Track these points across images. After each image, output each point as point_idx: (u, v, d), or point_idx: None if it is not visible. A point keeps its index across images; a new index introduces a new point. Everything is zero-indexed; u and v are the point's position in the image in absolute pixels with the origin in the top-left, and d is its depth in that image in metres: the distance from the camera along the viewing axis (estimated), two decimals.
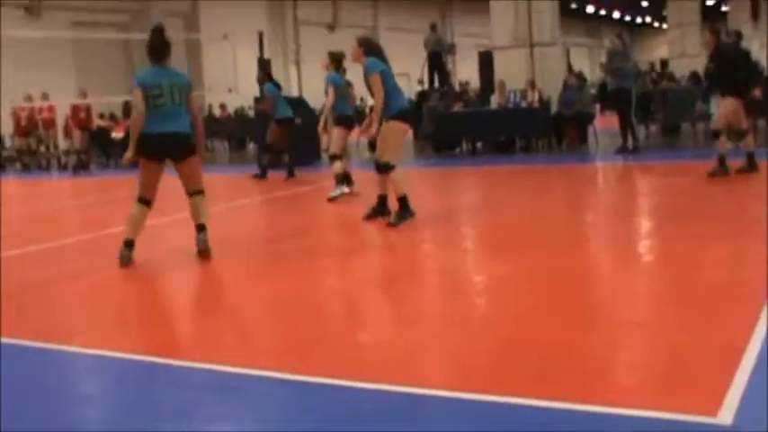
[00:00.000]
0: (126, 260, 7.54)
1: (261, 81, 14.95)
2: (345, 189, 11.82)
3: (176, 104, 7.50)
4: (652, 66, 30.32)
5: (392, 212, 8.87)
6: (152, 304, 6.66)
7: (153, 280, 7.38)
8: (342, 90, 11.99)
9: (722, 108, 11.28)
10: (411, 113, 9.01)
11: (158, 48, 7.67)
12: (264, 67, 15.17)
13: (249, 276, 7.16)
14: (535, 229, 8.55)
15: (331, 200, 11.60)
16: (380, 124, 8.93)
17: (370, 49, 9.10)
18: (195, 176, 7.74)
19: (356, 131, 12.25)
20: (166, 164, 7.63)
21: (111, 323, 5.82)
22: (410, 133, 8.94)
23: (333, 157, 11.97)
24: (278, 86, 15.65)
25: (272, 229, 10.17)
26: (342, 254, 8.02)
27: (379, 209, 9.23)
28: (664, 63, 38.30)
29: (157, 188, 7.73)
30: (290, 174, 15.29)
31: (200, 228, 7.72)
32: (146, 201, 7.66)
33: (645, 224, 8.81)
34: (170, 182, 7.97)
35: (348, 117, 11.98)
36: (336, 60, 12.11)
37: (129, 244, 7.59)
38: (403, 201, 8.74)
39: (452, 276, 6.67)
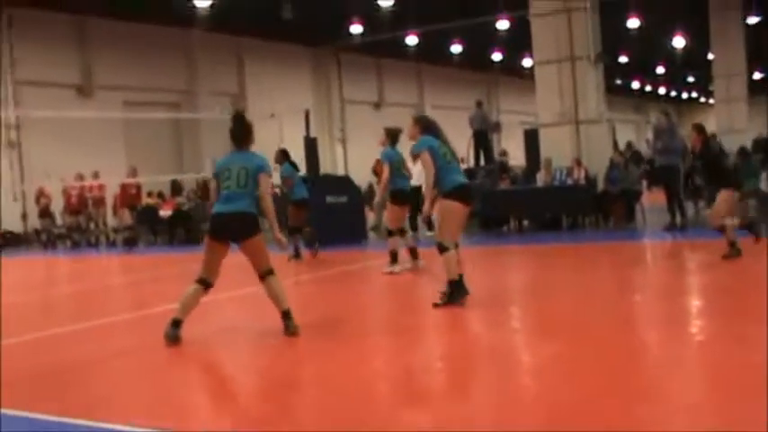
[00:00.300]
0: (172, 339, 7.54)
1: (279, 161, 15.03)
2: (397, 268, 11.84)
3: (241, 186, 7.63)
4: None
5: (444, 292, 8.76)
6: (197, 383, 6.63)
7: (198, 359, 7.36)
8: (397, 165, 12.06)
9: (718, 203, 11.28)
10: (466, 190, 8.93)
11: (237, 133, 7.95)
12: (283, 150, 15.25)
13: (298, 355, 7.12)
14: (584, 309, 8.43)
15: (387, 274, 11.74)
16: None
17: (426, 127, 9.21)
18: (260, 256, 7.74)
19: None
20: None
21: (153, 400, 5.80)
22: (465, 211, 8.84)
23: (388, 233, 12.04)
24: (296, 168, 15.68)
25: (319, 309, 10.14)
26: (393, 333, 7.96)
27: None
28: (711, 138, 38.13)
29: (219, 271, 7.76)
30: (314, 251, 15.43)
31: (286, 315, 7.69)
32: (204, 282, 7.71)
33: (695, 303, 8.66)
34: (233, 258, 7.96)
35: (403, 192, 12.01)
36: (392, 136, 12.30)
37: (177, 323, 7.59)
38: (452, 284, 8.66)
39: (502, 357, 6.58)
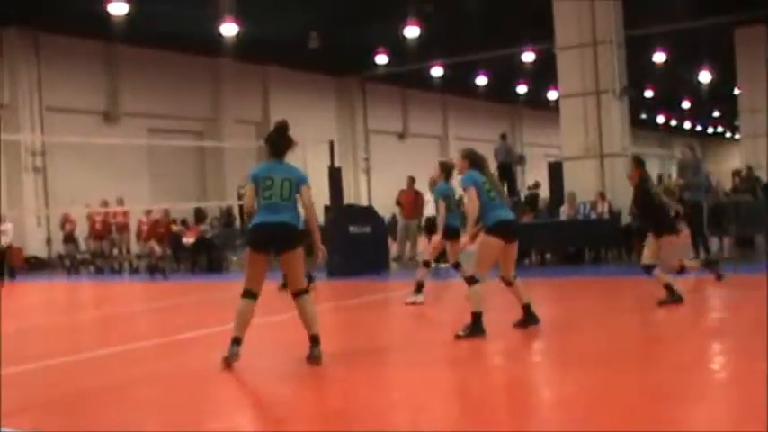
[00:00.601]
0: (232, 358, 7.55)
1: None
2: (420, 298, 11.85)
3: (285, 198, 7.60)
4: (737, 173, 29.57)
5: (465, 325, 8.71)
6: (221, 409, 6.60)
7: (222, 385, 7.33)
8: (450, 202, 12.00)
9: (646, 246, 10.80)
10: (507, 226, 8.92)
11: (279, 143, 7.83)
12: None
13: (327, 385, 7.09)
14: (606, 343, 8.36)
15: (409, 304, 11.75)
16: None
17: (474, 161, 9.20)
18: (297, 271, 7.72)
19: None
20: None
21: (177, 427, 5.79)
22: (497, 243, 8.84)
23: (425, 263, 12.02)
24: None
25: (344, 338, 10.10)
26: (416, 364, 7.91)
27: (529, 317, 9.19)
28: (736, 174, 37.84)
29: (263, 281, 7.74)
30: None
31: (314, 339, 7.66)
32: (251, 293, 7.68)
33: (718, 340, 8.56)
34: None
35: (453, 229, 11.85)
36: (447, 170, 12.14)
37: (237, 341, 7.60)
38: (476, 317, 8.63)
39: (524, 390, 6.52)
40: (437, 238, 12.06)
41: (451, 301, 12.97)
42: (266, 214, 7.58)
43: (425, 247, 19.60)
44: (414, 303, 11.82)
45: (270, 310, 9.63)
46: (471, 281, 8.74)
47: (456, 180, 10.54)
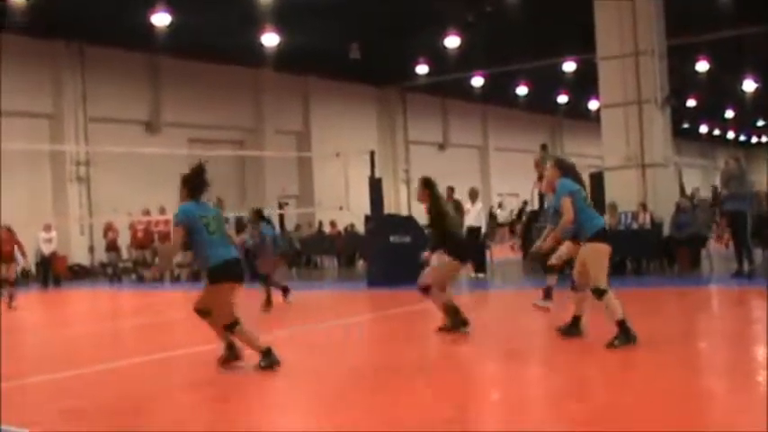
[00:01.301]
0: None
1: (254, 221, 15.11)
2: (550, 304, 11.19)
3: (222, 234, 8.26)
4: None
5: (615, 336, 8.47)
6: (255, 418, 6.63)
7: (254, 393, 7.38)
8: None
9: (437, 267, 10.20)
10: (607, 232, 8.89)
11: (198, 184, 8.63)
12: (258, 210, 15.41)
13: (369, 395, 7.10)
14: (647, 356, 8.27)
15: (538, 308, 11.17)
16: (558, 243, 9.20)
17: (565, 170, 9.17)
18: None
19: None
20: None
21: None
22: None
23: (550, 268, 11.45)
24: (271, 225, 16.23)
25: (396, 353, 10.10)
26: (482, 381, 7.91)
27: (574, 328, 9.22)
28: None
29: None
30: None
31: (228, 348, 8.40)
32: (237, 323, 8.15)
33: (762, 352, 8.46)
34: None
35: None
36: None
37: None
38: (622, 325, 8.45)
39: (556, 402, 6.50)
40: (568, 243, 11.37)
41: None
42: (222, 250, 8.14)
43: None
44: (546, 309, 11.14)
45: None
46: (600, 293, 8.54)
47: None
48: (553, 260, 10.96)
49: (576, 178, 9.06)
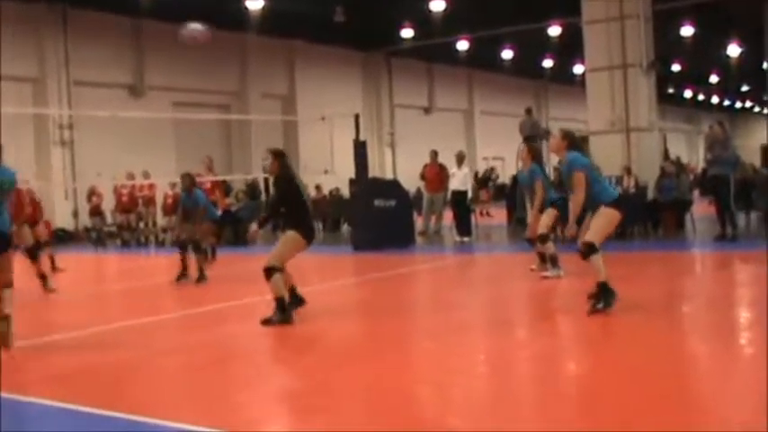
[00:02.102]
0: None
1: (188, 189, 14.60)
2: (561, 273, 11.48)
3: None
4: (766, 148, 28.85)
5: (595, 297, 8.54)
6: (243, 381, 6.67)
7: (246, 357, 7.41)
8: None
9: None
10: (623, 201, 8.88)
11: None
12: (191, 178, 14.94)
13: (355, 357, 7.16)
14: (630, 320, 8.34)
15: (545, 278, 11.44)
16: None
17: (573, 142, 9.04)
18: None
19: None
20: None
21: (202, 399, 5.86)
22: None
23: (542, 238, 11.67)
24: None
25: (396, 306, 10.14)
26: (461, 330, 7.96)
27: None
28: (765, 149, 37.54)
29: None
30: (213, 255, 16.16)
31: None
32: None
33: (745, 315, 8.55)
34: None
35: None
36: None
37: None
38: (605, 286, 8.48)
39: (545, 363, 6.56)
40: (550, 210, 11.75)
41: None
42: None
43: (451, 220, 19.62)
44: (556, 277, 11.44)
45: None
46: (592, 250, 8.48)
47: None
48: (543, 230, 11.26)
49: (584, 150, 8.97)
